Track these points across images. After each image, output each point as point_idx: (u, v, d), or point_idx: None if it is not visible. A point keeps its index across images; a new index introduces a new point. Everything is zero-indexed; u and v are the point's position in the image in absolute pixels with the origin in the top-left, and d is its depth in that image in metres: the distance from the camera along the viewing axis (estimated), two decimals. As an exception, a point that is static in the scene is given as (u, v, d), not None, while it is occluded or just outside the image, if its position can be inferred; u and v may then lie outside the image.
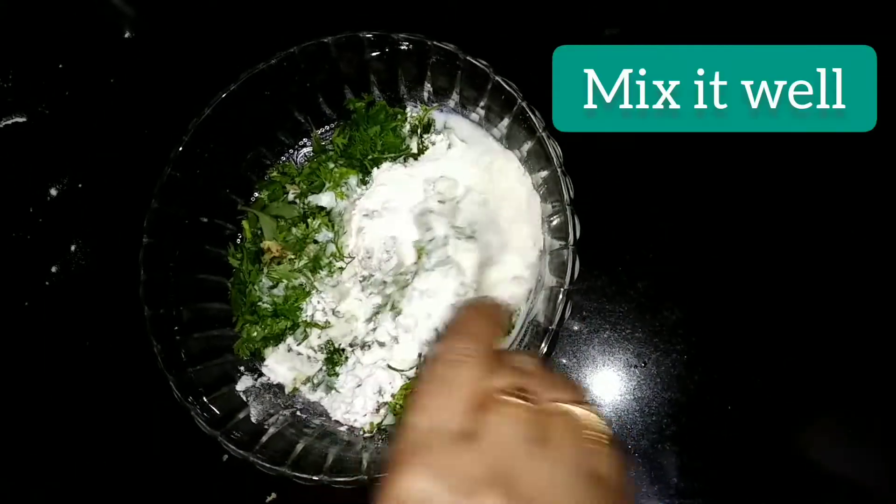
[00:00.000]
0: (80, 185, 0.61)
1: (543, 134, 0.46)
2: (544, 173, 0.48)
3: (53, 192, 0.61)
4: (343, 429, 0.50)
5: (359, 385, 0.50)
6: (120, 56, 0.63)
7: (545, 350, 0.43)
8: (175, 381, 0.44)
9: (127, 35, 0.64)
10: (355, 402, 0.49)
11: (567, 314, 0.45)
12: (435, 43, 0.47)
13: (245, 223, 0.54)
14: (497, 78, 0.47)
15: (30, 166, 0.62)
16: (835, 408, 0.53)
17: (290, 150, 0.57)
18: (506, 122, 0.50)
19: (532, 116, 0.46)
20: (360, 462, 0.43)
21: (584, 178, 0.53)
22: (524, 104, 0.46)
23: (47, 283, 0.59)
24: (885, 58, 0.48)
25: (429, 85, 0.53)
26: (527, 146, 0.49)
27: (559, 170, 0.45)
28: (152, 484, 0.55)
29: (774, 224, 0.56)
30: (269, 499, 0.53)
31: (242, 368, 0.51)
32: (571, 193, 0.45)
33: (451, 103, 0.54)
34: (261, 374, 0.51)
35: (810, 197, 0.56)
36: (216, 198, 0.53)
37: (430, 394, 0.28)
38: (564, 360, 0.54)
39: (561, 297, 0.44)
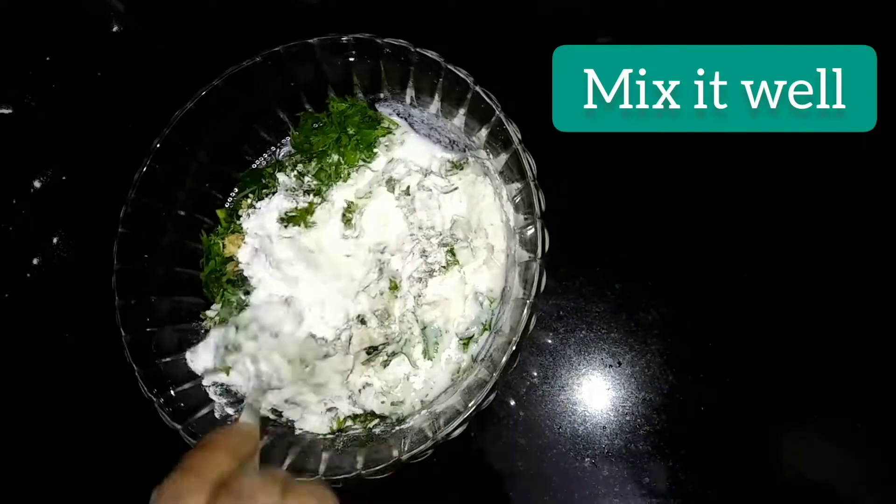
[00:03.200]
0: (63, 178, 0.61)
1: (519, 147, 0.46)
2: (518, 185, 0.47)
3: (37, 184, 0.61)
4: (304, 431, 0.49)
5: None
6: (107, 50, 0.64)
7: (505, 361, 0.42)
8: (142, 372, 0.45)
9: (115, 29, 0.64)
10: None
11: (531, 326, 0.44)
12: (418, 50, 0.47)
13: (220, 213, 0.54)
14: (477, 88, 0.46)
15: (14, 158, 0.62)
16: (809, 408, 0.53)
17: (272, 147, 0.58)
18: (483, 132, 0.50)
19: (508, 128, 0.46)
20: (319, 464, 0.43)
21: (583, 178, 0.53)
22: (501, 115, 0.46)
23: (28, 274, 0.59)
24: (885, 58, 0.48)
25: (411, 91, 0.53)
26: (503, 157, 0.49)
27: (532, 183, 0.45)
28: (124, 477, 0.55)
29: (774, 223, 0.55)
30: None
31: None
32: (543, 207, 0.45)
33: (433, 108, 0.54)
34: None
35: (810, 197, 0.55)
36: (195, 191, 0.53)
37: None
38: (540, 360, 0.54)
39: (526, 310, 0.43)
